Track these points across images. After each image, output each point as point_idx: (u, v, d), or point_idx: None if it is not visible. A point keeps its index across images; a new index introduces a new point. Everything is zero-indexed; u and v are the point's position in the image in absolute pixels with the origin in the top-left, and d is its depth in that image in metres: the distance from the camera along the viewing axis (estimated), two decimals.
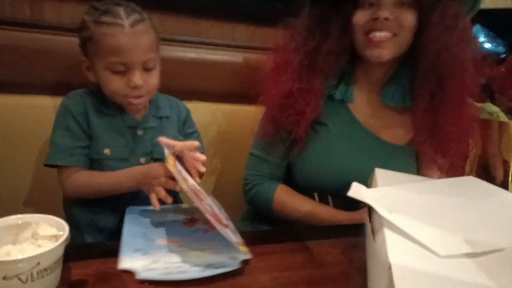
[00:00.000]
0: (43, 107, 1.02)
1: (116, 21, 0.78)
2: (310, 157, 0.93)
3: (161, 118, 0.91)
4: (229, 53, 1.22)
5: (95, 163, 0.84)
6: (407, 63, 0.92)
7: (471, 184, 0.77)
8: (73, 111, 0.83)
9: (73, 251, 0.57)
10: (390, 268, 0.47)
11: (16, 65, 1.00)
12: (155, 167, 0.76)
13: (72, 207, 0.86)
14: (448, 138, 0.87)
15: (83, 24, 0.80)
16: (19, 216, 0.55)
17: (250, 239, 0.69)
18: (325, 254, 0.69)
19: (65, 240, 0.51)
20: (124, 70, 0.79)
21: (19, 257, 0.47)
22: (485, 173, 1.14)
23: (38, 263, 0.48)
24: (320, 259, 0.68)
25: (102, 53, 0.79)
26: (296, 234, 0.77)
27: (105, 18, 0.78)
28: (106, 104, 0.86)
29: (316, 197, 0.93)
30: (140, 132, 0.87)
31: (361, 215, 0.68)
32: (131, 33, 0.78)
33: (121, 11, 0.79)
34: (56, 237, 0.52)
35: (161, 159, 0.86)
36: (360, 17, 0.86)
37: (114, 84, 0.80)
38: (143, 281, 0.56)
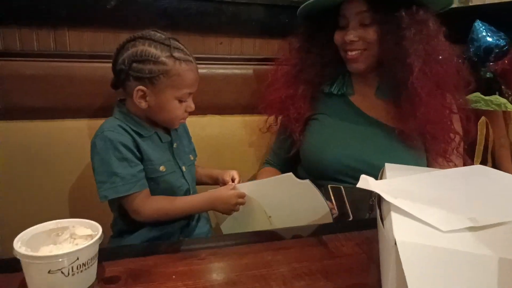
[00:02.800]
0: (69, 129, 1.10)
1: (188, 58, 0.88)
2: (313, 143, 1.07)
3: (176, 129, 0.98)
4: (239, 67, 1.29)
5: (152, 182, 0.90)
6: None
7: (480, 172, 0.79)
8: (123, 142, 0.85)
9: (105, 252, 0.62)
10: (395, 244, 0.50)
11: (43, 92, 1.08)
12: (223, 191, 0.93)
13: (141, 227, 0.92)
14: (423, 123, 0.96)
15: (154, 58, 0.84)
16: (57, 221, 0.61)
17: (267, 236, 0.73)
18: (341, 247, 0.72)
19: (100, 238, 0.57)
20: (186, 99, 0.90)
21: (61, 252, 0.53)
22: (493, 164, 1.15)
23: (77, 258, 0.53)
24: (336, 251, 0.71)
25: (179, 86, 0.87)
26: (312, 230, 0.81)
27: (179, 55, 0.86)
28: (140, 127, 0.90)
29: (329, 189, 0.96)
30: (175, 145, 0.95)
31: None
32: (196, 67, 0.90)
33: (183, 46, 0.89)
34: (91, 236, 0.58)
35: (191, 165, 1.00)
36: (337, 37, 1.03)
37: (178, 111, 0.90)
38: (171, 275, 0.61)
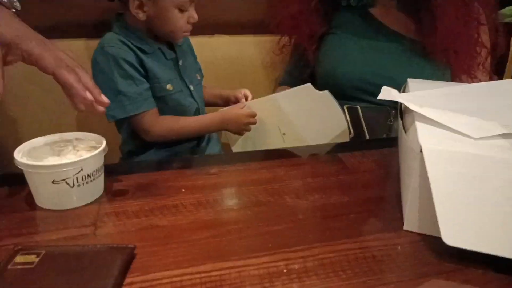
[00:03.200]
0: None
1: None
2: (330, 59, 1.02)
3: (180, 46, 0.93)
4: None
5: (160, 101, 0.86)
6: None
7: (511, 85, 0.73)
8: (125, 58, 0.81)
9: (114, 168, 0.60)
10: (421, 151, 0.46)
11: (33, 10, 1.00)
12: (234, 111, 0.91)
13: (151, 147, 0.90)
14: (446, 36, 0.92)
15: None
16: (59, 134, 0.58)
17: (281, 153, 0.69)
18: (357, 164, 0.69)
19: (104, 149, 0.54)
20: (187, 8, 0.83)
21: (64, 162, 0.50)
22: None
23: (82, 169, 0.51)
24: (352, 168, 0.68)
25: None
26: (327, 148, 0.77)
27: None
28: (142, 42, 0.84)
29: (345, 110, 0.92)
30: (180, 62, 0.90)
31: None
32: None
33: None
34: (95, 148, 0.55)
35: (198, 84, 0.96)
36: None
37: (180, 21, 0.84)
38: (181, 188, 0.59)
